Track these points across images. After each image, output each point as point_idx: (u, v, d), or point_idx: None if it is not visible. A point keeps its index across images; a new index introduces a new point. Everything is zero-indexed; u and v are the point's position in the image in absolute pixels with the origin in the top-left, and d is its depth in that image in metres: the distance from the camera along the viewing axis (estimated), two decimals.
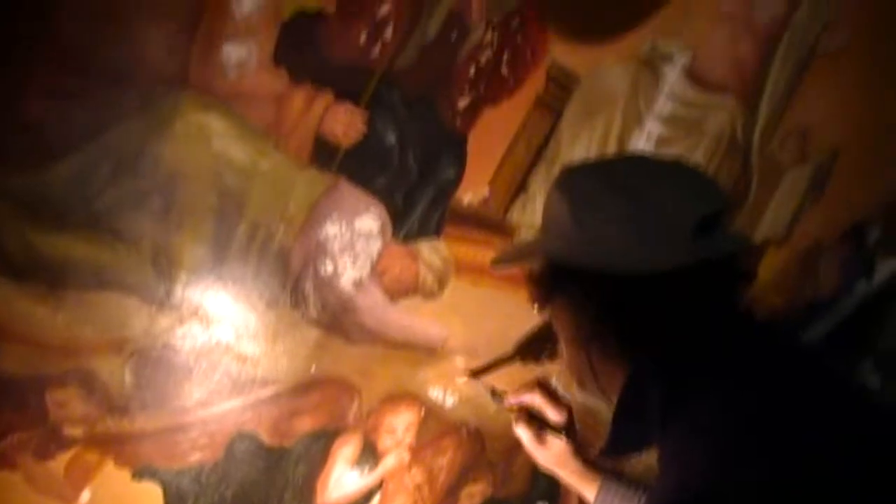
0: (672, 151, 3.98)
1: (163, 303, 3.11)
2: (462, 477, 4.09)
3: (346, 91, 3.15)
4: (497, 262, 2.04)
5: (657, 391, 1.64)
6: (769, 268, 4.65)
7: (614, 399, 1.74)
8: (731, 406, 1.56)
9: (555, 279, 1.82)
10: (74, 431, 3.18)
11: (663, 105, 3.87)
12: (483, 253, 3.59)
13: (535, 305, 1.92)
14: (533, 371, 2.32)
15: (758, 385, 1.59)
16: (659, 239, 1.66)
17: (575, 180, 1.79)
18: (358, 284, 3.37)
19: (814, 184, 4.64)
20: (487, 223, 3.61)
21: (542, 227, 1.88)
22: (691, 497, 1.43)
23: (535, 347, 2.12)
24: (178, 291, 3.12)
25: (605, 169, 1.81)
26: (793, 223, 4.67)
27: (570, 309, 1.83)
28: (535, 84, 3.57)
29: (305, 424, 3.56)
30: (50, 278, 2.91)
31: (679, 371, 1.64)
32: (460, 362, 3.74)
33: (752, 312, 1.75)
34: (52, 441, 3.16)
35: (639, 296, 1.69)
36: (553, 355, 2.11)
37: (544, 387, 2.25)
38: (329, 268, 3.29)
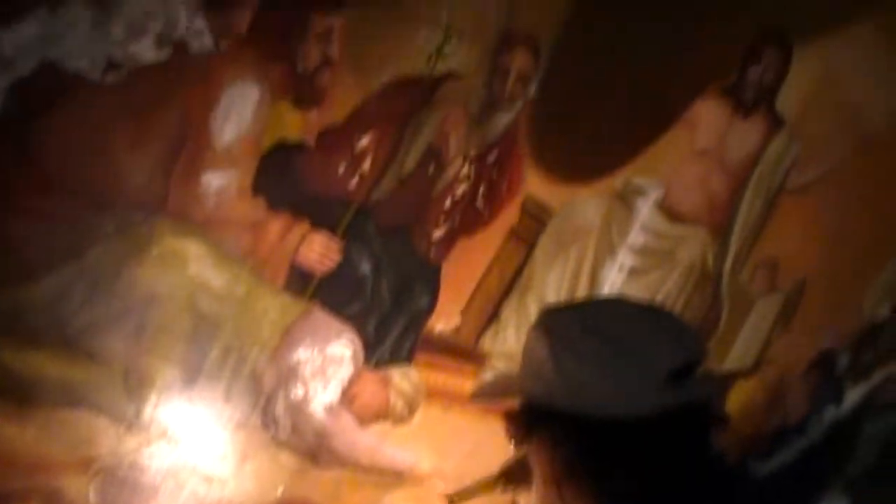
0: (644, 282, 4.04)
1: (132, 423, 3.11)
2: None
3: (323, 220, 3.20)
4: (477, 395, 2.05)
5: None
6: (738, 397, 4.68)
7: None
8: None
9: (533, 418, 1.83)
10: None
11: (636, 237, 3.94)
12: (453, 380, 3.62)
13: (512, 441, 1.93)
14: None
15: None
16: (635, 385, 1.68)
17: (555, 322, 1.82)
18: (328, 409, 3.38)
19: (783, 313, 4.70)
20: (459, 351, 3.64)
21: (522, 366, 1.90)
22: None
23: (518, 475, 2.12)
24: (148, 412, 3.12)
25: (584, 312, 1.84)
26: (762, 352, 4.72)
27: (546, 448, 1.83)
28: (509, 216, 3.64)
29: None
30: (20, 395, 2.91)
31: None
32: (439, 487, 3.73)
33: (724, 456, 1.77)
34: None
35: (615, 440, 1.71)
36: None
37: None
38: (300, 392, 3.31)
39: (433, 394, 3.58)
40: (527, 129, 3.55)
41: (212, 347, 3.15)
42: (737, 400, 4.67)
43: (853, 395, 4.98)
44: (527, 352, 1.86)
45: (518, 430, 1.87)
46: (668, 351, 1.70)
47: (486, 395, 2.02)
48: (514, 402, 1.88)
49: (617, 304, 1.97)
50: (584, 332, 1.74)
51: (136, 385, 3.08)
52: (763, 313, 4.64)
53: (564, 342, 1.75)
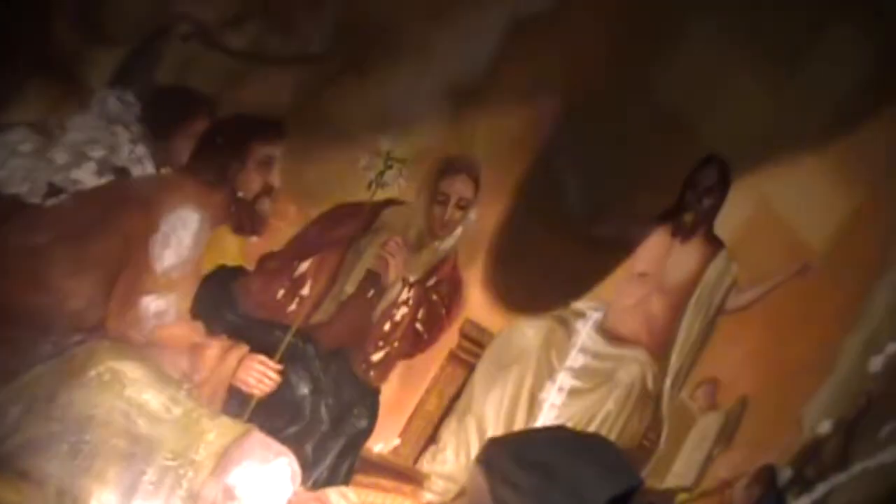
0: (584, 402, 4.07)
1: None
2: None
3: (262, 344, 3.22)
4: None
5: None
6: None
7: None
8: None
9: None
10: None
11: (575, 359, 3.99)
12: (392, 500, 3.61)
13: None
14: None
15: None
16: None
17: (493, 456, 1.85)
18: None
19: (724, 430, 4.74)
20: (398, 471, 3.64)
21: (467, 498, 1.93)
22: None
23: None
24: None
25: (522, 444, 1.87)
26: (703, 468, 4.74)
27: None
28: (449, 339, 3.67)
29: None
30: None
31: None
32: None
33: None
34: None
35: None
36: None
37: None
38: None
39: None
40: (466, 255, 3.61)
41: (148, 468, 3.13)
42: None
43: None
44: (470, 483, 1.90)
45: None
46: (604, 481, 1.74)
47: None
48: None
49: (554, 435, 2.01)
50: (521, 465, 1.78)
51: None
52: (704, 431, 4.68)
53: (502, 476, 1.79)
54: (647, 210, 4.11)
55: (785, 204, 4.36)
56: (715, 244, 4.26)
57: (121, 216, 2.90)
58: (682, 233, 4.16)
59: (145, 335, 3.01)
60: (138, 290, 2.96)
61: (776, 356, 4.65)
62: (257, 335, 3.20)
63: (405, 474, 3.66)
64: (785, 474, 5.07)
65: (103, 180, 2.81)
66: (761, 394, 4.77)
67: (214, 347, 3.16)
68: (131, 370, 3.04)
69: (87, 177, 2.79)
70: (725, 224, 4.26)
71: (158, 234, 2.95)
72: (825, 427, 5.01)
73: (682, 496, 4.72)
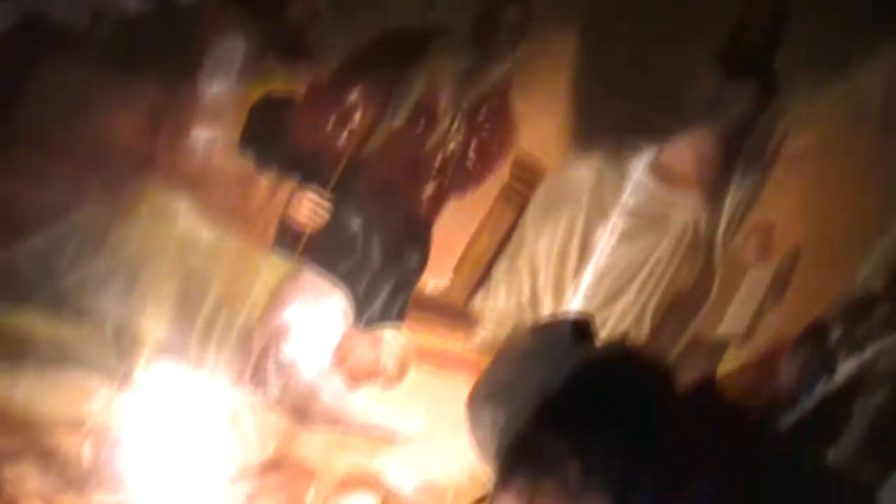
0: (636, 246, 4.03)
1: (123, 382, 3.11)
2: None
3: (312, 177, 3.19)
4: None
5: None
6: (728, 366, 4.67)
7: None
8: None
9: (522, 478, 1.83)
10: None
11: (627, 199, 3.93)
12: (444, 341, 3.61)
13: None
14: None
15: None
16: (550, 357, 1.75)
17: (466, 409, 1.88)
18: (319, 369, 3.38)
19: (776, 282, 4.68)
20: (449, 311, 3.63)
21: (480, 464, 1.94)
22: None
23: None
24: (139, 371, 3.12)
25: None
26: (754, 321, 4.70)
27: (547, 488, 1.82)
28: (500, 175, 3.62)
29: None
30: (11, 354, 2.91)
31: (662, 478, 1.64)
32: (429, 449, 3.73)
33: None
34: None
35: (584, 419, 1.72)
36: None
37: None
38: (290, 352, 3.31)
39: (424, 355, 3.58)
40: (518, 87, 3.54)
41: (202, 306, 3.15)
42: (727, 370, 4.67)
43: (845, 369, 4.96)
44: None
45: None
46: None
47: None
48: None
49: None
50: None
51: (128, 344, 3.08)
52: (756, 281, 4.62)
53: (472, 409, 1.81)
54: (702, 47, 4.00)
55: (844, 47, 4.24)
56: (772, 85, 4.15)
57: (166, 45, 2.86)
58: (738, 74, 4.05)
59: (194, 169, 2.99)
60: (186, 123, 2.93)
61: (832, 208, 4.57)
62: (307, 168, 3.18)
63: (457, 314, 3.65)
64: (835, 333, 5.02)
65: (147, 6, 2.76)
66: (815, 246, 4.70)
67: (264, 181, 3.14)
68: (182, 205, 3.03)
69: (132, 4, 2.74)
70: (783, 65, 4.15)
71: (204, 63, 2.90)
72: (878, 285, 4.94)
73: (733, 347, 4.69)
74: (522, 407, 1.71)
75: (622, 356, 1.79)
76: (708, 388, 1.76)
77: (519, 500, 1.82)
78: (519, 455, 1.74)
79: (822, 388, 4.88)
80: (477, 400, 1.82)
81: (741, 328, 4.65)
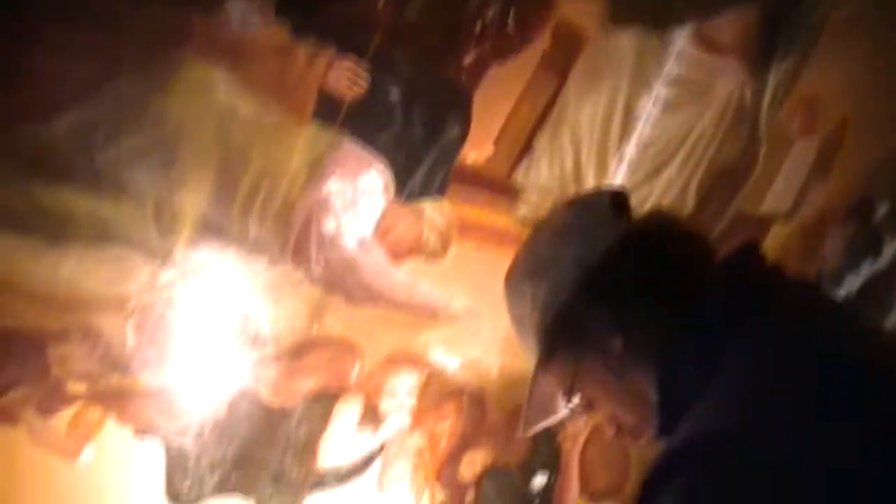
0: (680, 117, 3.95)
1: (165, 258, 3.10)
2: (463, 443, 4.07)
3: (350, 46, 3.13)
4: (527, 426, 2.01)
5: (689, 360, 1.59)
6: (773, 243, 4.60)
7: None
8: (759, 352, 1.52)
9: (564, 356, 1.80)
10: (77, 387, 3.17)
11: (671, 67, 3.84)
12: (487, 215, 3.56)
13: (570, 396, 1.88)
14: None
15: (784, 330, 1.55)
16: (589, 230, 1.71)
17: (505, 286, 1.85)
18: (361, 243, 3.35)
19: (821, 157, 4.59)
20: (492, 184, 3.58)
21: (518, 339, 1.90)
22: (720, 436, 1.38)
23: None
24: (181, 247, 3.11)
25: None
26: (799, 196, 4.62)
27: (589, 364, 1.79)
28: (541, 43, 3.54)
29: (307, 385, 3.55)
30: (52, 232, 2.90)
31: (705, 336, 1.60)
32: (473, 326, 3.71)
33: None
34: (55, 397, 3.15)
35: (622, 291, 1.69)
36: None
37: None
38: (332, 226, 3.27)
39: (466, 229, 3.53)
40: None
41: (242, 180, 3.12)
42: (771, 247, 4.60)
43: (892, 247, 4.88)
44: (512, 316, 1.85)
45: (565, 378, 1.82)
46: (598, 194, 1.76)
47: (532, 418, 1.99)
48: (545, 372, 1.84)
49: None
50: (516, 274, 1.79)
51: (168, 220, 3.06)
52: (801, 155, 4.54)
53: (514, 287, 1.80)
54: None
55: None
56: None
57: None
58: None
59: (232, 40, 2.94)
60: None
61: (880, 81, 4.46)
62: (344, 37, 3.11)
63: (499, 188, 3.60)
64: (881, 210, 4.94)
65: None
66: (861, 120, 4.60)
67: (301, 51, 3.08)
68: (220, 77, 2.99)
69: None
70: None
71: None
72: None
73: (778, 224, 4.62)
74: (562, 281, 1.67)
75: (661, 225, 1.76)
76: (752, 251, 1.71)
77: (561, 378, 1.79)
78: (560, 332, 1.70)
79: (868, 267, 4.81)
80: (516, 276, 1.80)
81: (786, 205, 4.58)
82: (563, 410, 1.91)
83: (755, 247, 1.70)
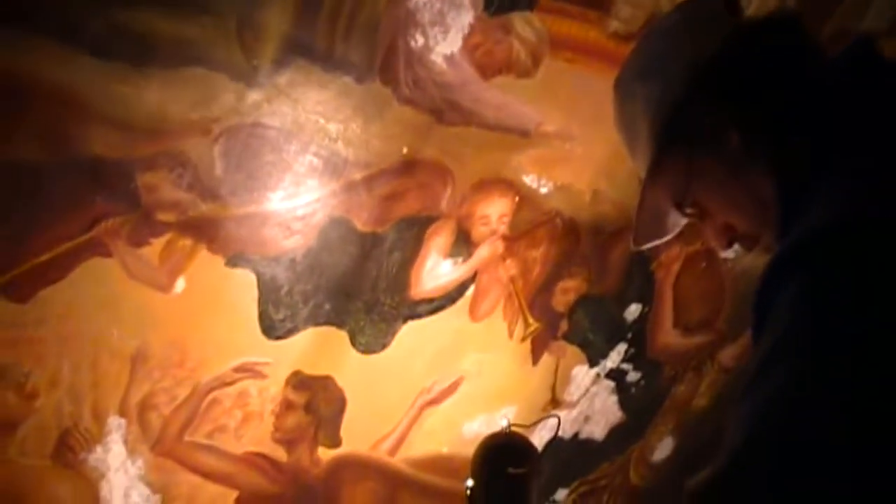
0: None
1: (250, 80, 3.04)
2: (556, 271, 4.02)
3: None
4: (640, 242, 1.93)
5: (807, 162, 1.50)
6: None
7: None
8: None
9: (676, 158, 1.72)
10: (166, 217, 3.15)
11: None
12: (579, 28, 3.42)
13: (684, 208, 1.79)
14: None
15: None
16: (703, 27, 1.67)
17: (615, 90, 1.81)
18: (449, 59, 3.25)
19: None
20: None
21: (627, 147, 1.83)
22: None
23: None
24: (266, 67, 3.04)
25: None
26: None
27: (703, 165, 1.70)
28: None
29: (398, 210, 3.49)
30: (134, 55, 2.84)
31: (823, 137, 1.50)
32: (566, 147, 3.62)
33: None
34: (146, 227, 3.14)
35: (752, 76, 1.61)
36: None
37: None
38: (419, 41, 3.17)
39: (557, 44, 3.40)
40: None
41: None
42: None
43: None
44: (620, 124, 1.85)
45: (678, 185, 1.75)
46: None
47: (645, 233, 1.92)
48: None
49: None
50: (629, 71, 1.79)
51: (252, 39, 2.98)
52: None
53: (625, 85, 1.79)
54: None
55: None
56: None
57: None
58: None
59: None
60: None
61: None
62: None
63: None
64: None
65: None
66: None
67: None
68: None
69: None
70: None
71: None
72: None
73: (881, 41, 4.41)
74: (676, 79, 1.64)
75: (780, 22, 1.66)
76: (867, 46, 1.60)
77: (673, 184, 1.72)
78: (674, 131, 1.67)
79: None
80: (627, 79, 1.77)
81: (891, 19, 4.36)
82: (675, 221, 1.85)
83: (871, 41, 1.61)
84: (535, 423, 3.54)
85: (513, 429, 2.92)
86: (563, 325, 4.16)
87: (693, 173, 1.69)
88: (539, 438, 3.94)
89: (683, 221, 1.83)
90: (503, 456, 2.68)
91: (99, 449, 3.31)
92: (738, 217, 1.69)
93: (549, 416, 3.87)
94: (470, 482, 2.69)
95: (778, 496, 1.10)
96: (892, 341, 1.11)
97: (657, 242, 1.94)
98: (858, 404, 1.10)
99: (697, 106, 1.62)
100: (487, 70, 3.33)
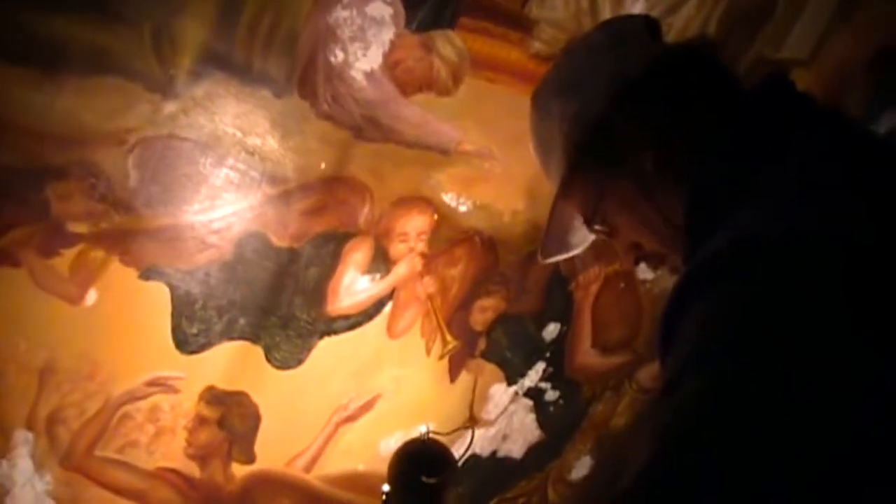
0: None
1: (166, 90, 3.00)
2: (475, 289, 4.01)
3: None
4: (547, 255, 1.95)
5: (723, 181, 1.50)
6: None
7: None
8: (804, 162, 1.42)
9: (590, 176, 1.73)
10: (78, 227, 3.10)
11: None
12: (500, 47, 3.43)
13: (593, 224, 1.80)
14: None
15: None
16: (624, 47, 1.71)
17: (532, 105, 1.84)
18: (369, 76, 3.23)
19: (844, 1, 4.44)
20: (505, 15, 3.42)
21: (541, 162, 1.85)
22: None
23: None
24: (182, 78, 3.00)
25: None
26: (820, 42, 4.48)
27: (616, 184, 1.71)
28: None
29: (315, 225, 3.46)
30: (47, 62, 2.80)
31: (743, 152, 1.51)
32: (485, 167, 3.62)
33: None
34: (56, 237, 3.08)
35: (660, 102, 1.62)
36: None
37: None
38: (339, 56, 3.15)
39: (479, 64, 3.40)
40: None
41: (244, 7, 2.99)
42: None
43: None
44: (535, 140, 1.91)
45: (588, 207, 1.77)
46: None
47: (552, 248, 1.93)
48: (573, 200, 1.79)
49: None
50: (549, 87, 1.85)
51: (169, 49, 2.95)
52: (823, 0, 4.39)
53: (541, 104, 1.85)
54: None
55: None
56: None
57: None
58: None
59: None
60: None
61: None
62: None
63: (513, 19, 3.43)
64: None
65: None
66: None
67: None
68: None
69: None
70: None
71: None
72: None
73: (797, 71, 4.48)
74: (596, 97, 1.66)
75: (700, 48, 1.70)
76: (783, 78, 1.63)
77: (585, 201, 1.73)
78: (589, 147, 1.66)
79: (889, 120, 4.70)
80: (544, 94, 1.80)
81: (806, 51, 4.44)
82: (584, 237, 1.86)
83: (785, 75, 1.64)
84: (453, 432, 3.52)
85: (431, 436, 2.90)
86: (482, 344, 4.16)
87: (604, 192, 1.70)
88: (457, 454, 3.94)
89: (591, 238, 1.83)
90: (418, 463, 2.66)
91: (4, 464, 3.23)
92: (646, 236, 1.71)
93: (465, 428, 3.86)
94: (386, 487, 2.67)
95: None
96: (797, 354, 1.11)
97: (564, 257, 1.95)
98: (762, 416, 1.09)
99: (614, 125, 1.62)
100: (408, 87, 3.32)
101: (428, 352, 4.00)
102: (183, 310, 3.36)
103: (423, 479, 2.57)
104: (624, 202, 1.69)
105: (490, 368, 4.29)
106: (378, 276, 3.69)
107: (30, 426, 3.27)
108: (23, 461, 3.29)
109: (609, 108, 1.63)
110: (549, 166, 1.82)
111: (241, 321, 3.49)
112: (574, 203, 1.79)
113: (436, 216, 3.71)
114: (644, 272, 4.34)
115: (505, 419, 4.46)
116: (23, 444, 3.27)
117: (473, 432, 3.60)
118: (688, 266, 1.33)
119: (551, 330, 4.34)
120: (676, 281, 1.32)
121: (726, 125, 1.54)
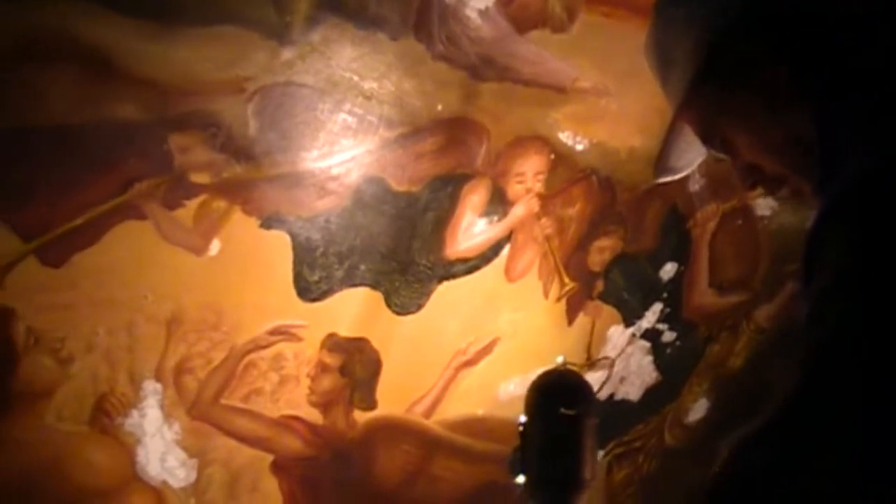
0: None
1: (282, 37, 2.99)
2: (592, 229, 3.97)
3: None
4: (661, 173, 1.87)
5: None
6: None
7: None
8: None
9: (713, 88, 1.65)
10: (200, 178, 3.12)
11: None
12: None
13: (711, 143, 1.73)
14: None
15: None
16: None
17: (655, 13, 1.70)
18: (484, 14, 3.18)
19: None
20: None
21: (659, 76, 1.73)
22: None
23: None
24: (298, 24, 2.98)
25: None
26: None
27: (741, 99, 1.63)
28: None
29: (433, 168, 3.44)
30: (164, 13, 2.79)
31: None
32: (601, 104, 3.55)
33: None
34: (179, 189, 3.11)
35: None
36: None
37: None
38: None
39: None
40: None
41: None
42: None
43: None
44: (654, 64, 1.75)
45: (704, 125, 1.69)
46: None
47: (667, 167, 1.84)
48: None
49: None
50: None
51: None
52: None
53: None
54: None
55: None
56: None
57: None
58: None
59: None
60: None
61: None
62: None
63: None
64: None
65: None
66: None
67: None
68: None
69: None
70: None
71: None
72: None
73: None
74: (728, 3, 1.55)
75: None
76: None
77: (707, 113, 1.65)
78: (716, 60, 1.57)
79: None
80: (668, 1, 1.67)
81: None
82: (698, 156, 1.78)
83: None
84: (592, 364, 3.49)
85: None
86: (599, 285, 4.12)
87: (728, 107, 1.62)
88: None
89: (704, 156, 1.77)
90: (557, 394, 2.61)
91: (135, 414, 3.28)
92: (769, 158, 1.63)
93: (604, 359, 3.83)
94: (522, 418, 2.63)
95: (836, 441, 1.08)
96: None
97: (679, 176, 1.88)
98: None
99: (747, 33, 1.55)
100: (522, 25, 3.27)
101: (546, 294, 3.98)
102: (304, 257, 3.37)
103: (562, 410, 2.52)
104: (748, 118, 1.62)
105: (607, 310, 4.26)
106: (496, 218, 3.67)
107: (158, 377, 3.31)
108: (152, 411, 3.33)
109: (743, 14, 1.57)
110: (669, 80, 1.74)
111: (362, 267, 3.49)
112: (693, 120, 1.73)
113: (552, 156, 3.66)
114: (762, 208, 4.25)
115: (622, 361, 4.42)
116: (152, 394, 3.32)
117: (613, 365, 3.56)
118: (828, 193, 1.28)
119: (668, 269, 4.28)
120: (819, 208, 1.28)
121: (872, 49, 1.48)
